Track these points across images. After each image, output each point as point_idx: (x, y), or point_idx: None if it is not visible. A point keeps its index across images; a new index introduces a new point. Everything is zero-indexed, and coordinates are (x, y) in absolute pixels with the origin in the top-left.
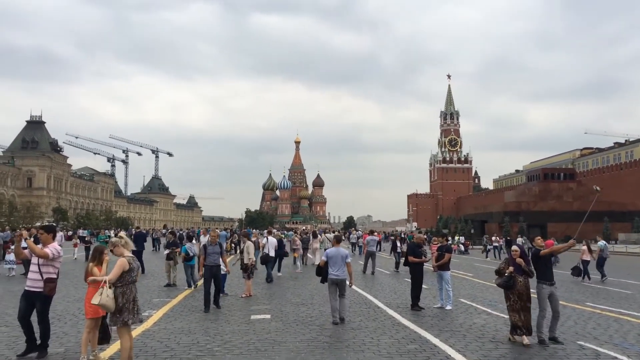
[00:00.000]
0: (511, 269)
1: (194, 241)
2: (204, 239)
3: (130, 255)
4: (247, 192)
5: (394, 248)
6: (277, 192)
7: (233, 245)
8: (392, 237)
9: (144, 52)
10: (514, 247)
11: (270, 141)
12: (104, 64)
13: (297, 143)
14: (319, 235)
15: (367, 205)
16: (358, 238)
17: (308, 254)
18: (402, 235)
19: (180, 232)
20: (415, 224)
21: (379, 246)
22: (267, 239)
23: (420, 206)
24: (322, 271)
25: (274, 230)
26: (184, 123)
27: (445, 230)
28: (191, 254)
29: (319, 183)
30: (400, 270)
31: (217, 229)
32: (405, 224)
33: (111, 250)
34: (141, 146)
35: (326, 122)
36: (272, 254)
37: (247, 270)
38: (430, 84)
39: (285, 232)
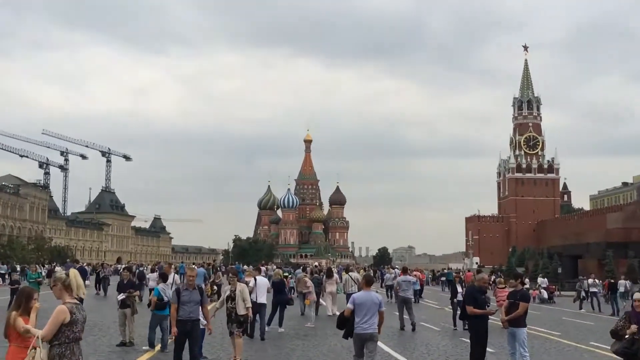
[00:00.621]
0: (634, 328)
1: (173, 280)
2: (173, 279)
3: (74, 301)
4: (236, 213)
5: (454, 294)
6: (279, 213)
7: (215, 288)
8: (442, 278)
9: (94, 13)
10: (638, 296)
11: (269, 140)
12: (36, 30)
13: (308, 143)
14: (335, 275)
15: (407, 233)
16: (394, 279)
17: (321, 300)
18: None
19: (140, 268)
20: (476, 259)
21: (419, 292)
22: (255, 279)
23: (484, 234)
24: (346, 322)
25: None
26: (149, 114)
27: (521, 269)
28: (165, 299)
29: (338, 200)
30: (458, 326)
31: (193, 264)
32: (462, 260)
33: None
34: (87, 146)
35: (349, 113)
36: (261, 300)
37: (242, 326)
38: (497, 59)
39: (291, 269)
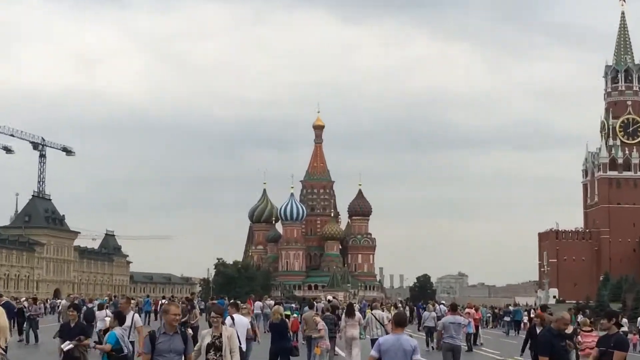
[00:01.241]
0: None
1: (132, 322)
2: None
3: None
4: (219, 227)
5: (531, 336)
6: (279, 227)
7: (190, 332)
8: (507, 317)
9: None
10: None
11: (265, 126)
12: None
13: (319, 130)
14: (357, 313)
15: (457, 255)
16: (439, 318)
17: (336, 348)
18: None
19: (89, 305)
20: (553, 291)
21: (472, 337)
22: (232, 319)
23: (565, 256)
24: None
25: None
26: (99, 91)
27: (616, 306)
28: (125, 350)
29: (361, 209)
30: None
31: (163, 298)
32: (533, 292)
33: None
34: (12, 135)
35: (374, 89)
36: (242, 346)
37: None
38: (582, 12)
39: (292, 305)
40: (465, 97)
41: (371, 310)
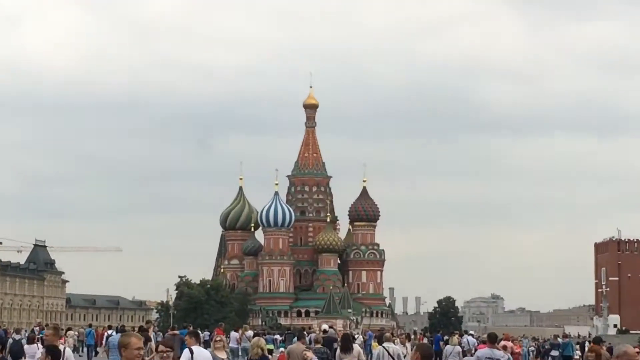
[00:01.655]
0: None
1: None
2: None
3: None
4: (181, 236)
5: None
6: (259, 236)
7: None
8: (554, 352)
9: None
10: None
11: (241, 105)
12: None
13: (311, 110)
14: (355, 347)
15: (489, 272)
16: (464, 352)
17: None
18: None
19: (16, 336)
20: (614, 319)
21: None
22: (191, 352)
23: (630, 273)
24: None
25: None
26: (19, 58)
27: None
28: None
29: (365, 212)
30: None
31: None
32: (587, 319)
33: None
34: None
35: (384, 58)
36: None
37: None
38: None
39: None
40: (502, 67)
41: (380, 342)
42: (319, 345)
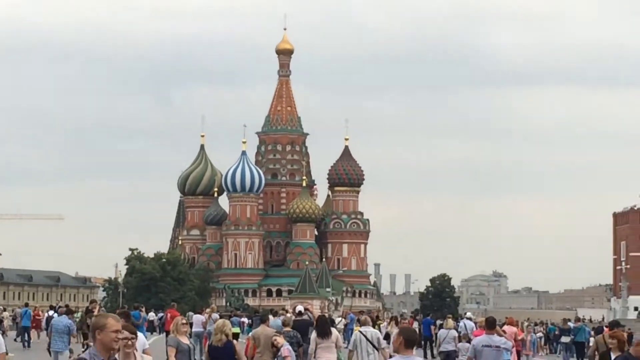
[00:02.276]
0: None
1: None
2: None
3: None
4: (133, 202)
5: None
6: (223, 202)
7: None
8: (564, 338)
9: None
10: None
11: (204, 50)
12: None
13: (285, 56)
14: (333, 332)
15: (490, 246)
16: (460, 337)
17: None
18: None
19: None
20: (635, 300)
21: None
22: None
23: None
24: None
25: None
26: None
27: None
28: None
29: (347, 175)
30: None
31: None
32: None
33: None
34: None
35: None
36: None
37: None
38: None
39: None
40: (509, 9)
41: (360, 326)
42: (288, 329)
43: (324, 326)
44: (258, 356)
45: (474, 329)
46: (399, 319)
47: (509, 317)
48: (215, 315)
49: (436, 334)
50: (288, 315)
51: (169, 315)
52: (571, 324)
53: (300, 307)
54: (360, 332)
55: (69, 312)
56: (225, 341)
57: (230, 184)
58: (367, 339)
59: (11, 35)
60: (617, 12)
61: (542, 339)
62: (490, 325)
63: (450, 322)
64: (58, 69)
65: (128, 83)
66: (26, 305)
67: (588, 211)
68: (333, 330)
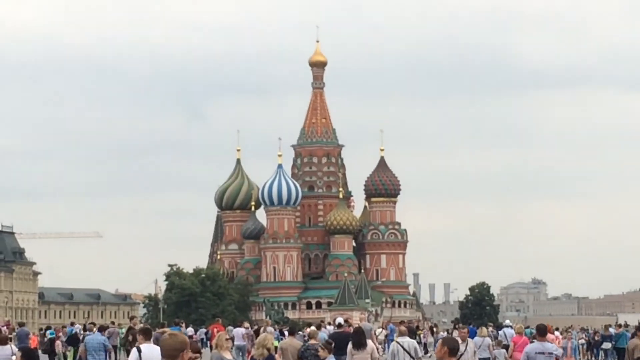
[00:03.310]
0: None
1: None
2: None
3: None
4: (171, 218)
5: None
6: (261, 216)
7: None
8: (606, 344)
9: None
10: None
11: (236, 64)
12: None
13: (319, 68)
14: (370, 343)
15: (530, 254)
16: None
17: None
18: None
19: None
20: None
21: None
22: (138, 351)
23: None
24: None
25: (245, 329)
26: None
27: None
28: None
29: (384, 186)
30: None
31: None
32: None
33: None
34: None
35: (402, 3)
36: None
37: None
38: None
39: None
40: (541, 14)
41: (397, 339)
42: (314, 341)
43: (359, 337)
44: None
45: (513, 335)
46: (434, 329)
47: (547, 325)
48: (270, 329)
49: None
50: (313, 328)
51: (215, 330)
52: (612, 330)
53: (340, 319)
54: (398, 342)
55: (102, 328)
56: (267, 355)
57: (267, 198)
58: (405, 349)
59: (46, 53)
60: None
61: (584, 346)
62: (541, 332)
63: (485, 330)
64: (94, 86)
65: (163, 99)
66: (72, 324)
67: (628, 215)
68: (369, 341)
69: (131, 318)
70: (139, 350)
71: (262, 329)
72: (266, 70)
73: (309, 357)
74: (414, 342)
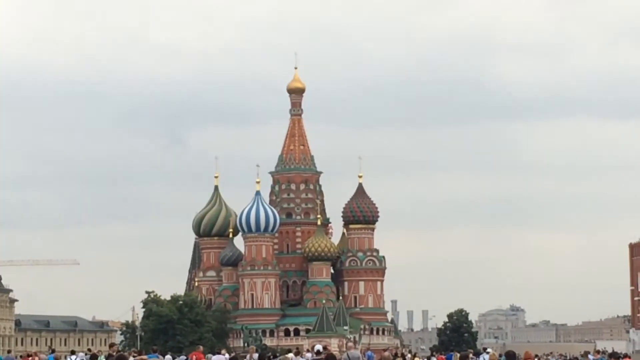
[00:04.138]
0: None
1: None
2: None
3: None
4: (147, 247)
5: None
6: (239, 243)
7: None
8: None
9: None
10: None
11: (215, 90)
12: None
13: (297, 95)
14: None
15: (507, 281)
16: None
17: None
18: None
19: None
20: None
21: None
22: None
23: None
24: None
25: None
26: None
27: None
28: None
29: (362, 213)
30: None
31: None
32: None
33: None
34: None
35: (381, 31)
36: None
37: None
38: None
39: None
40: (520, 40)
41: None
42: None
43: None
44: None
45: None
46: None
47: (527, 351)
48: (255, 356)
49: None
50: (289, 356)
51: (194, 357)
52: (591, 357)
53: (318, 347)
54: None
55: (94, 357)
56: None
57: (245, 225)
58: None
59: (25, 78)
60: (624, 42)
61: None
62: (510, 358)
63: (458, 355)
64: (70, 112)
65: (141, 125)
66: (52, 351)
67: (604, 243)
68: None
69: (111, 345)
70: None
71: (248, 356)
72: (245, 98)
73: None
74: None
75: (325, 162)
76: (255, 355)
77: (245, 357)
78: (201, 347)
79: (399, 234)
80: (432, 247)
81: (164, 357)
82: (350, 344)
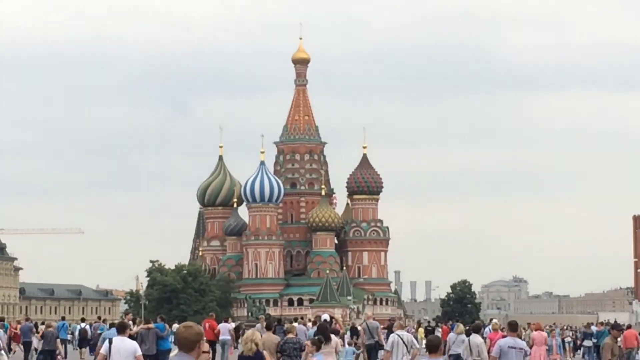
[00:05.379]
0: None
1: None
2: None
3: None
4: (152, 214)
5: None
6: (243, 213)
7: None
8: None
9: None
10: None
11: (219, 60)
12: None
13: (302, 65)
14: (334, 338)
15: (510, 252)
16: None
17: None
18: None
19: None
20: None
21: None
22: (109, 344)
23: None
24: None
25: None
26: None
27: None
28: None
29: (366, 183)
30: None
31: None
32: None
33: None
34: None
35: (387, 4)
36: None
37: None
38: None
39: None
40: (526, 11)
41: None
42: (291, 335)
43: (324, 332)
44: None
45: (488, 332)
46: (419, 324)
47: (535, 323)
48: (231, 324)
49: None
50: (294, 324)
51: (207, 325)
52: (594, 328)
53: (325, 316)
54: (398, 334)
55: (121, 326)
56: (255, 350)
57: (250, 194)
58: (403, 342)
59: (28, 49)
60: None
61: (571, 344)
62: (513, 328)
63: (461, 327)
64: (75, 81)
65: (146, 94)
66: (62, 318)
67: (608, 214)
68: (332, 336)
69: (126, 313)
70: (110, 342)
71: (258, 325)
72: (249, 67)
73: (287, 350)
74: (411, 335)
75: (329, 133)
76: (259, 325)
77: (254, 327)
78: (214, 314)
79: (403, 205)
80: (436, 218)
81: (170, 326)
82: (369, 313)
